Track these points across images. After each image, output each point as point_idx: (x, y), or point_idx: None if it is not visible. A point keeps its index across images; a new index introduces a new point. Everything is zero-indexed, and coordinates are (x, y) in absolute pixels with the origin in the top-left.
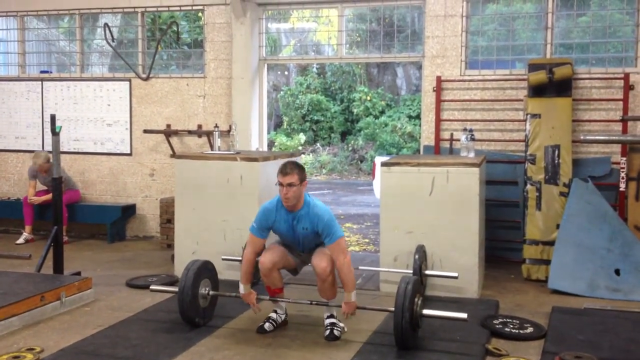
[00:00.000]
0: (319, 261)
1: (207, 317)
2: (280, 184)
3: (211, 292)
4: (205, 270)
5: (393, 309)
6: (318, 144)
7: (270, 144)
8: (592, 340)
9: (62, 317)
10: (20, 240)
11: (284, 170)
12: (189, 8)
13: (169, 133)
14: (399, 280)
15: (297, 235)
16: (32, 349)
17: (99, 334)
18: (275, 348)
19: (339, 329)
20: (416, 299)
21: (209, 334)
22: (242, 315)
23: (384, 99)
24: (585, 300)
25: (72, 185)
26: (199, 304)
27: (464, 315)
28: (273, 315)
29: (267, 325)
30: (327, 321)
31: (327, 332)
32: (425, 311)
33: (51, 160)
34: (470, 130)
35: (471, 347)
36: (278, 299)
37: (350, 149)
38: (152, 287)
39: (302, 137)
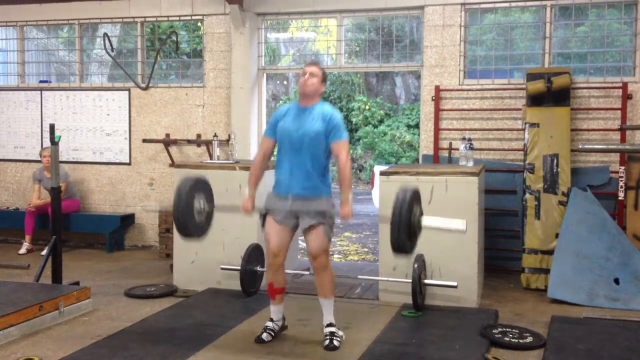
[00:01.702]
0: (316, 254)
1: (203, 233)
2: (303, 73)
3: (206, 207)
4: (199, 185)
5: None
6: None
7: None
8: (592, 349)
9: (61, 327)
10: (22, 251)
11: (309, 62)
12: (189, 18)
13: (168, 142)
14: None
15: (302, 134)
16: (31, 359)
17: (97, 344)
18: (275, 357)
19: (339, 339)
20: (414, 208)
21: (208, 342)
22: (241, 324)
23: (382, 108)
24: (584, 309)
25: (73, 194)
26: (195, 218)
27: (462, 226)
28: (269, 324)
29: (264, 336)
30: (327, 330)
31: (327, 341)
32: (424, 218)
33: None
34: (469, 140)
35: (470, 357)
36: (273, 304)
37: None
38: (142, 206)
39: None
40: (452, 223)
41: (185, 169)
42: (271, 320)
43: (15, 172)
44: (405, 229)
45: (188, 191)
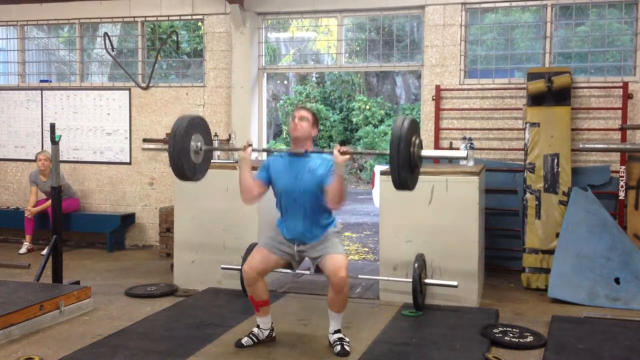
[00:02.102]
0: (336, 270)
1: (200, 174)
2: (293, 118)
3: (203, 147)
4: (196, 125)
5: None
6: None
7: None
8: (592, 349)
9: (61, 326)
10: (23, 250)
11: (299, 106)
12: (189, 17)
13: (168, 142)
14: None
15: (302, 190)
16: (31, 359)
17: (97, 344)
18: (274, 356)
19: (348, 344)
20: (413, 139)
21: (209, 342)
22: (241, 324)
23: (383, 108)
24: (585, 309)
25: (72, 194)
26: (192, 158)
27: (463, 154)
28: (255, 330)
29: (244, 340)
30: (334, 337)
31: (338, 347)
32: (424, 152)
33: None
34: (470, 139)
35: (471, 356)
36: (259, 316)
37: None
38: (144, 146)
39: None
40: (452, 153)
41: None
42: (257, 326)
43: (15, 171)
44: (405, 163)
45: (184, 130)
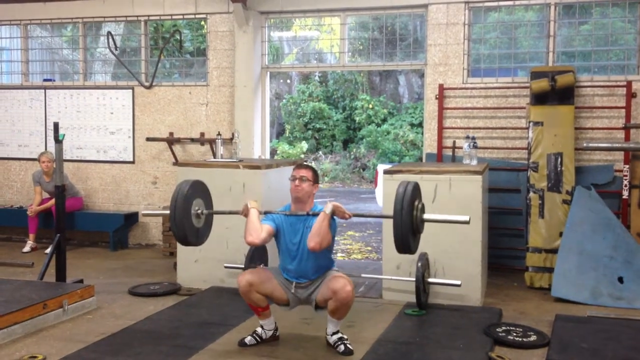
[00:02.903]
0: (343, 285)
1: (202, 238)
2: (293, 177)
3: (205, 211)
4: (196, 190)
5: (392, 214)
6: (320, 152)
7: (273, 152)
8: (596, 348)
9: (65, 325)
10: (27, 249)
11: (298, 165)
12: (192, 16)
13: (171, 141)
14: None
15: (305, 248)
16: (35, 357)
17: (101, 342)
18: (277, 355)
19: (348, 342)
20: (416, 203)
21: (211, 341)
22: (244, 323)
23: (386, 107)
24: (588, 308)
25: (75, 193)
26: (193, 223)
27: (466, 218)
28: (258, 330)
29: (248, 339)
30: (334, 337)
31: (342, 347)
32: (426, 215)
33: (54, 162)
34: (473, 138)
35: (474, 355)
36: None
37: (352, 157)
38: (143, 212)
39: (304, 145)
40: (454, 217)
41: (188, 168)
42: (261, 326)
43: (19, 170)
44: (408, 227)
45: (185, 196)
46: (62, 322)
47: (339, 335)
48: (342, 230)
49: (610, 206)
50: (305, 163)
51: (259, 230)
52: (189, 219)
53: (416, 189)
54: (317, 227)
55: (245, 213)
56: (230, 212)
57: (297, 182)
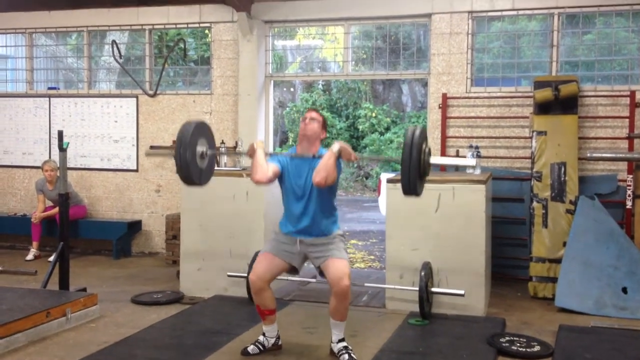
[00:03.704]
0: (339, 279)
1: (206, 179)
2: (304, 118)
3: (209, 152)
4: (201, 130)
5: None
6: None
7: None
8: (599, 358)
9: (68, 333)
10: (30, 257)
11: (310, 109)
12: (196, 25)
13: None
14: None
15: (309, 186)
16: None
17: (104, 351)
18: None
19: (352, 352)
20: (423, 147)
21: (214, 350)
22: (247, 332)
23: (389, 115)
24: (592, 318)
25: (79, 201)
26: (198, 163)
27: (472, 162)
28: (260, 338)
29: (251, 348)
30: (339, 345)
31: (346, 356)
32: (433, 159)
33: (58, 170)
34: (476, 147)
35: None
36: (265, 325)
37: (355, 165)
38: (147, 151)
39: None
40: (461, 161)
41: None
42: (263, 334)
43: (23, 178)
44: (415, 170)
45: (190, 136)
46: (65, 330)
47: (344, 344)
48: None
49: (614, 216)
50: (316, 108)
51: (266, 169)
52: (193, 159)
53: (423, 133)
54: (323, 163)
55: (251, 153)
56: (236, 154)
57: (307, 121)
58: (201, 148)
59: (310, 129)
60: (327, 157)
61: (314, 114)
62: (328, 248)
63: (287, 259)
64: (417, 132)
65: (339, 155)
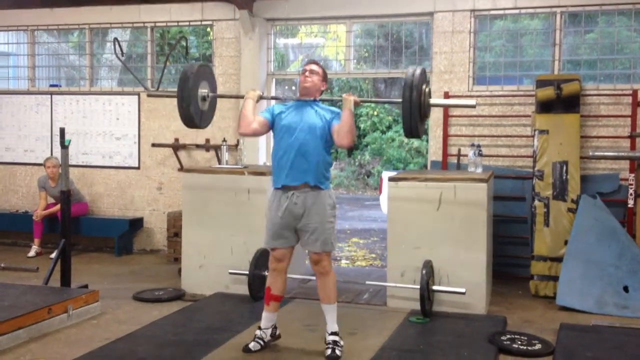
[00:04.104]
0: (316, 261)
1: (206, 121)
2: (303, 70)
3: (210, 94)
4: (203, 73)
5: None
6: None
7: None
8: (601, 357)
9: (69, 330)
10: (32, 253)
11: (309, 60)
12: (198, 23)
13: (176, 147)
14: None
15: (303, 126)
16: None
17: (105, 347)
18: None
19: (340, 348)
20: (424, 87)
21: (215, 347)
22: (249, 329)
23: (390, 114)
24: (593, 317)
25: (80, 198)
26: (199, 105)
27: (472, 102)
28: (258, 332)
29: (252, 345)
30: (330, 338)
31: (329, 351)
32: (433, 100)
33: (60, 167)
34: (478, 146)
35: None
36: (267, 312)
37: (357, 164)
38: (148, 93)
39: None
40: (460, 101)
41: (194, 174)
42: (259, 328)
43: (25, 175)
44: (416, 111)
45: (193, 78)
46: (66, 327)
47: (335, 338)
48: (347, 237)
49: (616, 215)
50: (316, 60)
51: (251, 121)
52: (195, 101)
53: (423, 73)
54: (348, 125)
55: (252, 93)
56: (237, 97)
57: (307, 73)
58: (203, 90)
59: (311, 81)
60: (348, 117)
61: (313, 66)
62: (315, 228)
63: (286, 234)
64: (418, 72)
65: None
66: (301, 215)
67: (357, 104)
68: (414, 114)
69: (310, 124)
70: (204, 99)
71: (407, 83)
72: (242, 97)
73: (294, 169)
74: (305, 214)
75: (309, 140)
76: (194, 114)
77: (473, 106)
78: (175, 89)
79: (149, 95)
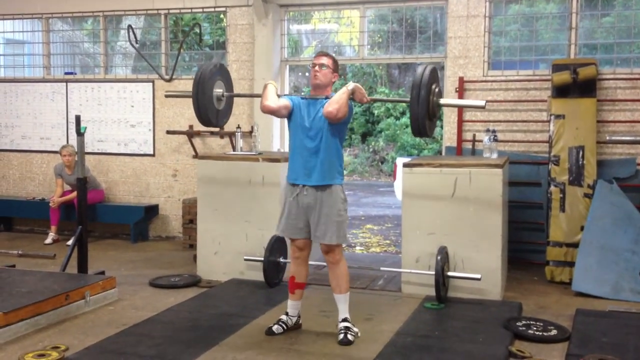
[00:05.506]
0: (326, 250)
1: (222, 120)
2: (313, 65)
3: (225, 93)
4: (217, 73)
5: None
6: None
7: None
8: (617, 342)
9: (87, 315)
10: (49, 240)
11: (319, 53)
12: (212, 10)
13: (191, 134)
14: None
15: (316, 123)
16: (57, 347)
17: (123, 333)
18: (297, 347)
19: (353, 334)
20: (433, 87)
21: (231, 332)
22: (264, 315)
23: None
24: (609, 302)
25: (96, 185)
26: (215, 106)
27: (481, 103)
28: (283, 317)
29: (275, 328)
30: (342, 325)
31: (341, 335)
32: (442, 100)
33: (75, 155)
34: (493, 131)
35: (494, 349)
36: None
37: (371, 150)
38: (166, 94)
39: None
40: (470, 102)
41: (208, 160)
42: (286, 313)
43: (41, 163)
44: (424, 111)
45: (208, 78)
46: (84, 313)
47: (346, 324)
48: (361, 224)
49: (632, 200)
50: (325, 51)
51: (277, 99)
52: (210, 102)
53: (434, 72)
54: (336, 97)
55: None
56: (252, 95)
57: (316, 68)
58: (218, 90)
59: (321, 76)
60: (341, 92)
61: (323, 59)
62: (325, 220)
63: (300, 225)
64: (427, 71)
65: (352, 95)
66: (312, 208)
67: (363, 101)
68: (422, 113)
69: (323, 122)
70: (219, 99)
71: (415, 82)
72: (255, 95)
73: (306, 168)
74: (315, 207)
75: (322, 140)
76: (211, 117)
77: (482, 107)
78: (189, 76)
79: (166, 96)
